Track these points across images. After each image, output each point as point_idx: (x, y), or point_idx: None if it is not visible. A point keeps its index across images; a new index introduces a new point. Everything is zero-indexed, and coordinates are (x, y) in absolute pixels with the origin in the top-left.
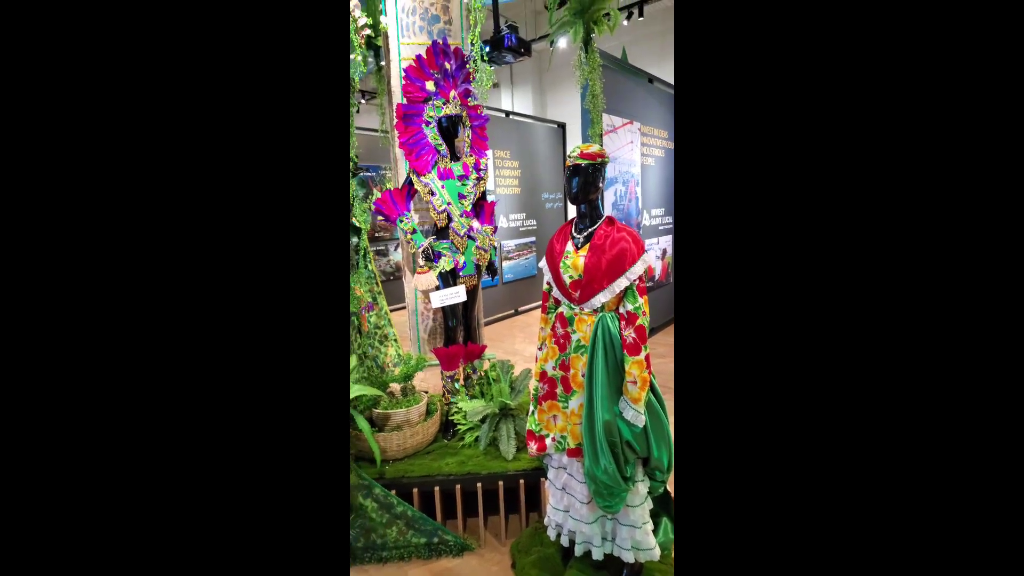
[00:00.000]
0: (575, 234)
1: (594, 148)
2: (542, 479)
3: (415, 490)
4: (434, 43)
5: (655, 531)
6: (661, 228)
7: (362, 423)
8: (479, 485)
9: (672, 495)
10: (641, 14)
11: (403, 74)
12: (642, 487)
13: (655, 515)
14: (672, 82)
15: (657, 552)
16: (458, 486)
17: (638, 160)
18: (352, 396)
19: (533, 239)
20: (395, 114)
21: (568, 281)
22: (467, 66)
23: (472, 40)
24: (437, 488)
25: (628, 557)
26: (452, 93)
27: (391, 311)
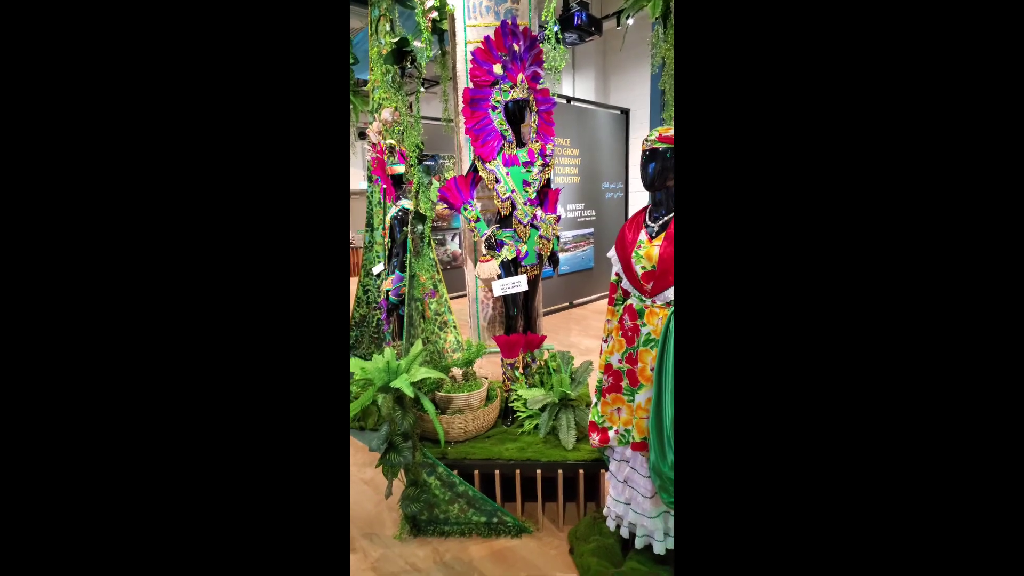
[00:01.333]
0: (649, 223)
1: (673, 131)
2: (602, 470)
3: (476, 472)
4: (503, 23)
5: None
6: None
7: (427, 404)
8: (539, 471)
9: None
10: None
11: (470, 57)
12: None
13: None
14: None
15: None
16: (518, 471)
17: None
18: (418, 378)
19: (591, 230)
20: (462, 99)
21: (640, 272)
22: (537, 46)
23: (546, 16)
24: (497, 471)
25: None
26: (520, 76)
27: (450, 299)
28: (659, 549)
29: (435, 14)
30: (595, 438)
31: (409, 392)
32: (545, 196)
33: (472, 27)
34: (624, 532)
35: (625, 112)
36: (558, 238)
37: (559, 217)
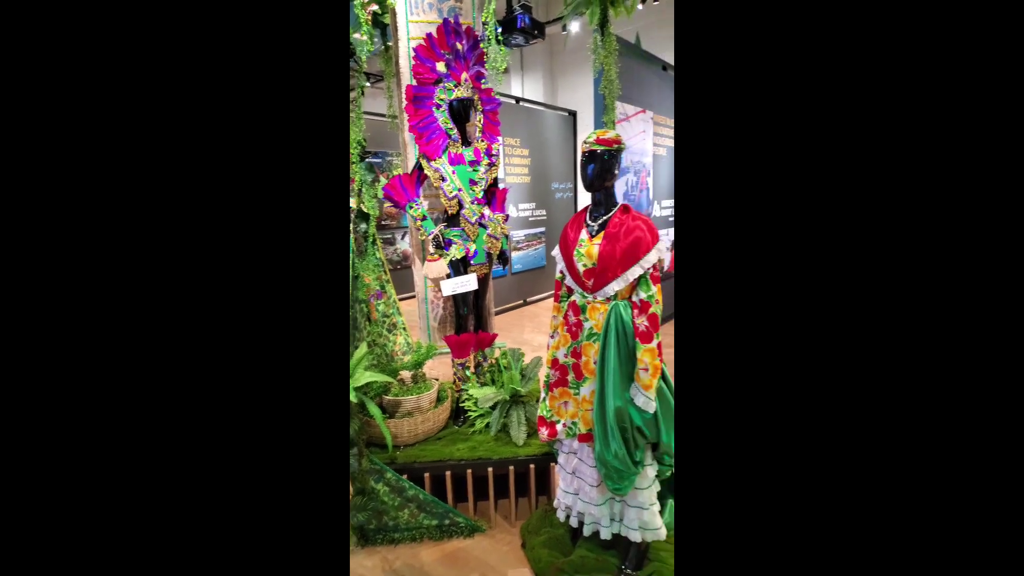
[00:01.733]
0: (589, 222)
1: (611, 134)
2: (552, 464)
3: (426, 475)
4: (445, 21)
5: (661, 512)
6: (672, 220)
7: (373, 409)
8: (490, 469)
9: None
10: None
11: (412, 54)
12: (650, 470)
13: (661, 497)
14: None
15: (663, 532)
16: (469, 470)
17: (650, 150)
18: (362, 383)
19: (543, 229)
20: (405, 96)
21: (582, 269)
22: (480, 46)
23: (486, 19)
24: (448, 472)
25: (635, 536)
26: (464, 75)
27: (399, 300)
28: (605, 535)
29: (375, 7)
30: (544, 432)
31: (352, 398)
32: (492, 195)
33: (414, 23)
34: (573, 522)
35: (572, 113)
36: (507, 237)
37: (507, 216)
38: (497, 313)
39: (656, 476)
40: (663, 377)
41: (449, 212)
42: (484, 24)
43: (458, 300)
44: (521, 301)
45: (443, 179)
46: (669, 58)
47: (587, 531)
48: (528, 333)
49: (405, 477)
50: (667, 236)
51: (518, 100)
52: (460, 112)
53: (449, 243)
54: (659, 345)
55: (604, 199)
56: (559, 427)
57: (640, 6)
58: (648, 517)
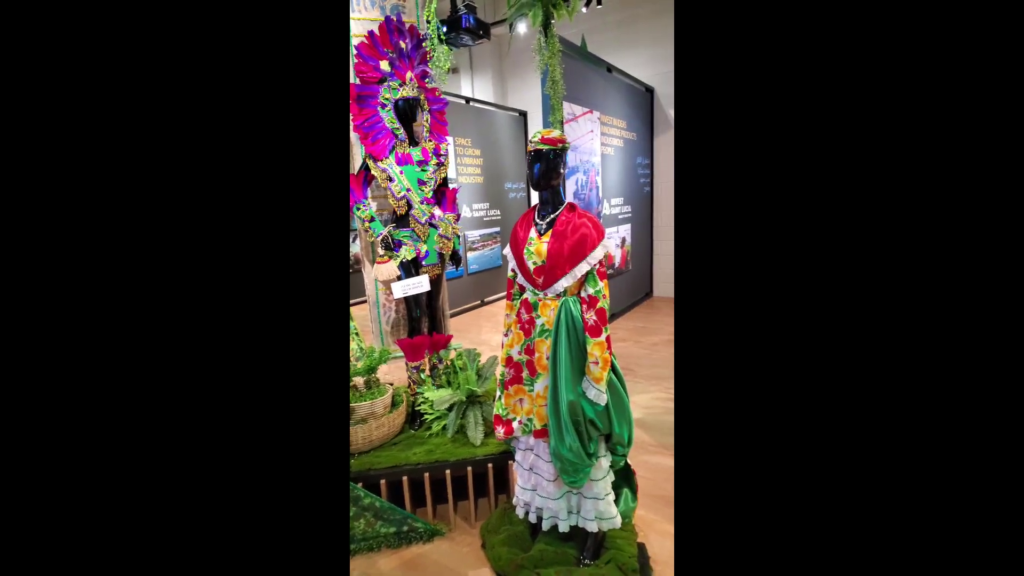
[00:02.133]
0: (538, 220)
1: (555, 133)
2: (510, 462)
3: (383, 481)
4: (387, 19)
5: (616, 501)
6: (620, 217)
7: None
8: (448, 472)
9: (632, 467)
10: (600, 2)
11: (355, 52)
12: (604, 461)
13: (616, 487)
14: (630, 72)
15: (618, 521)
16: (426, 474)
17: (598, 149)
18: None
19: (498, 229)
20: (348, 95)
21: (532, 267)
22: (423, 45)
23: (428, 17)
24: (405, 478)
25: (592, 527)
26: (409, 74)
27: (351, 304)
28: (563, 528)
29: None
30: (500, 431)
31: None
32: (442, 195)
33: (356, 20)
34: (532, 518)
35: (523, 114)
36: (459, 237)
37: (458, 216)
38: (454, 314)
39: (610, 467)
40: (613, 369)
41: (398, 213)
42: (427, 23)
43: (411, 302)
44: (479, 301)
45: (391, 179)
46: (614, 60)
47: (546, 525)
48: (486, 333)
49: (360, 485)
50: (615, 234)
51: (468, 100)
52: (406, 112)
53: (399, 244)
54: (608, 339)
55: (551, 197)
56: (515, 424)
57: (584, 9)
58: (604, 507)
